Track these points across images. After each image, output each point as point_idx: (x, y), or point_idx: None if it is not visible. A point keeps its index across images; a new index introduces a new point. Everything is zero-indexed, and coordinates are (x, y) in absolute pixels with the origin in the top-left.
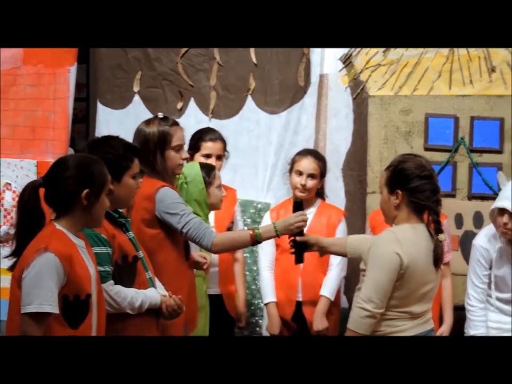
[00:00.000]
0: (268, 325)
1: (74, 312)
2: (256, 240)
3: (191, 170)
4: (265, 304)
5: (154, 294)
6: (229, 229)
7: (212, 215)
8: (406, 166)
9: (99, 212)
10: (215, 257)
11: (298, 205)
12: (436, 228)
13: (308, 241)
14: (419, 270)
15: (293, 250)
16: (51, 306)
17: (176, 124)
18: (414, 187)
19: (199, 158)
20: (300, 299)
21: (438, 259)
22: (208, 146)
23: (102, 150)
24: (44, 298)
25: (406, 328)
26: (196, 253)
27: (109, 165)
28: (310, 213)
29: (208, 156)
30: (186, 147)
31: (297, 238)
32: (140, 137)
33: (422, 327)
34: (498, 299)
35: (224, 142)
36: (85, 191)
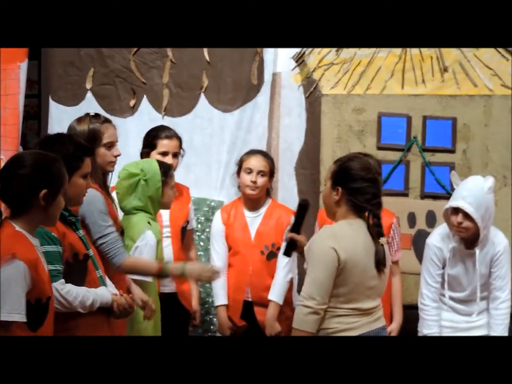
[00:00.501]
0: (218, 327)
1: (35, 316)
2: (161, 274)
3: (150, 167)
4: (216, 307)
5: (106, 292)
6: (184, 228)
7: (166, 214)
8: (352, 165)
9: (55, 212)
10: (169, 255)
11: (305, 207)
12: (377, 231)
13: (300, 242)
14: (359, 265)
15: (285, 242)
16: (20, 315)
17: (108, 121)
18: (355, 188)
19: (155, 156)
20: (250, 299)
21: (379, 263)
22: (165, 144)
23: (52, 148)
24: (12, 306)
25: (358, 326)
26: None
27: None
28: (260, 214)
29: (164, 154)
30: (134, 144)
31: (292, 235)
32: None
33: (373, 324)
34: (452, 298)
35: (180, 139)
36: (43, 191)
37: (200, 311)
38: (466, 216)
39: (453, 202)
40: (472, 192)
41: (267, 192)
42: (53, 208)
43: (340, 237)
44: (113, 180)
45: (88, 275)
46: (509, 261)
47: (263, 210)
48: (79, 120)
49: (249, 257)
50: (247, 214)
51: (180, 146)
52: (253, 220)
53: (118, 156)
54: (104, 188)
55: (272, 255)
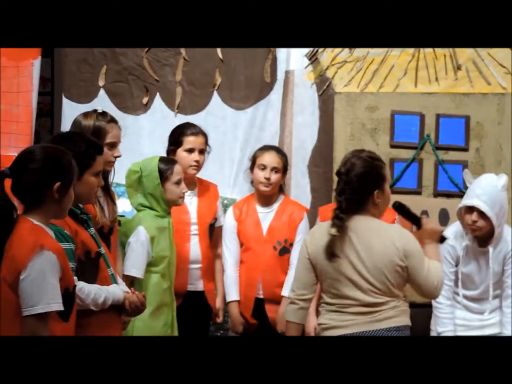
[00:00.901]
0: (230, 323)
1: (66, 305)
2: None
3: (148, 164)
4: (228, 303)
5: (117, 290)
6: (212, 225)
7: (194, 211)
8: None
9: (67, 204)
10: (197, 253)
11: (401, 209)
12: (333, 222)
13: None
14: (323, 262)
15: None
16: (58, 304)
17: (114, 121)
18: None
19: (181, 153)
20: (261, 296)
21: (327, 253)
22: (191, 140)
23: (64, 146)
24: (50, 297)
25: (351, 324)
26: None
27: None
28: (272, 210)
29: (191, 150)
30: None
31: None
32: (75, 128)
33: (374, 324)
34: (465, 296)
35: (205, 136)
36: (57, 184)
37: (224, 309)
38: (481, 214)
39: (467, 200)
40: (486, 190)
41: (280, 188)
42: (65, 201)
43: (312, 231)
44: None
45: (100, 273)
46: None
47: (275, 206)
48: (86, 115)
49: (261, 252)
50: (260, 209)
51: (206, 143)
52: (265, 216)
53: (119, 157)
54: (105, 186)
55: (284, 251)
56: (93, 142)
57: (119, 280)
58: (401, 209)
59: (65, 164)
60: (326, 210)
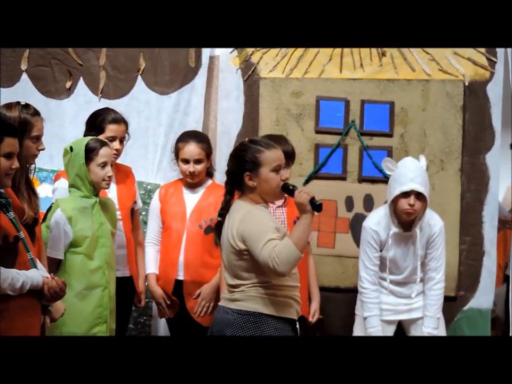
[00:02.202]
0: (151, 295)
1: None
2: None
3: (78, 144)
4: (146, 275)
5: (36, 275)
6: (132, 209)
7: (114, 196)
8: None
9: None
10: (122, 237)
11: (284, 188)
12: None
13: None
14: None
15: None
16: None
17: (38, 113)
18: None
19: None
20: (181, 278)
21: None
22: (113, 128)
23: None
24: None
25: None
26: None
27: None
28: (199, 192)
29: (113, 139)
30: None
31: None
32: None
33: (226, 302)
34: (390, 281)
35: (126, 124)
36: None
37: (146, 293)
38: (417, 197)
39: (405, 186)
40: (417, 173)
41: (208, 173)
42: None
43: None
44: None
45: (18, 257)
46: (444, 242)
47: (202, 189)
48: (9, 107)
49: (184, 231)
50: (186, 191)
51: (126, 131)
52: (192, 197)
53: (43, 149)
54: (26, 179)
55: (210, 230)
56: (1, 123)
57: (39, 265)
58: (284, 188)
59: None
60: None
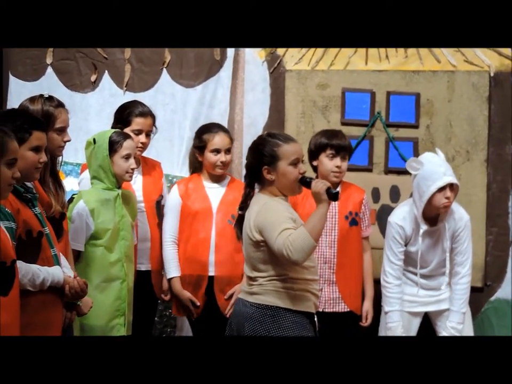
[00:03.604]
0: (176, 299)
1: (2, 279)
2: None
3: (102, 136)
4: (169, 279)
5: (58, 272)
6: (158, 202)
7: (139, 188)
8: None
9: None
10: (146, 230)
11: (301, 180)
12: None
13: None
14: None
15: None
16: None
17: (62, 105)
18: None
19: (128, 133)
20: (211, 274)
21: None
22: (140, 122)
23: (2, 122)
24: None
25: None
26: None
27: None
28: (223, 186)
29: (139, 132)
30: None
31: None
32: None
33: (245, 295)
34: (416, 274)
35: (154, 117)
36: None
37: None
38: (451, 189)
39: (440, 181)
40: (446, 166)
41: None
42: None
43: None
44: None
45: (41, 253)
46: (470, 236)
47: (225, 182)
48: (32, 100)
49: (210, 228)
50: (207, 185)
51: (153, 124)
52: (215, 191)
53: (68, 141)
54: (52, 172)
55: None
56: (30, 117)
57: (64, 262)
58: (301, 181)
59: None
60: None
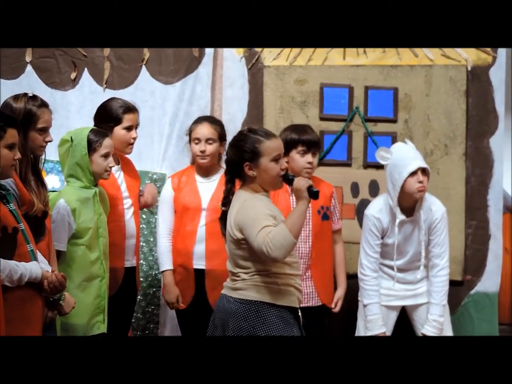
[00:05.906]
0: (165, 292)
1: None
2: None
3: (79, 134)
4: (162, 272)
5: (35, 267)
6: (140, 196)
7: (122, 183)
8: None
9: None
10: (132, 225)
11: (283, 178)
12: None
13: None
14: None
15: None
16: None
17: (45, 105)
18: None
19: (120, 131)
20: (198, 267)
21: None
22: (130, 118)
23: None
24: None
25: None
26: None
27: None
28: (214, 180)
29: (130, 128)
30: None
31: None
32: (5, 110)
33: (228, 291)
34: (391, 267)
35: (138, 111)
36: None
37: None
38: (423, 173)
39: (411, 166)
40: (414, 152)
41: (220, 158)
42: None
43: None
44: None
45: (17, 249)
46: (447, 228)
47: (216, 177)
48: (16, 98)
49: (198, 222)
50: (199, 179)
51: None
52: (206, 186)
53: (50, 141)
54: (35, 170)
55: None
56: (3, 114)
57: (41, 257)
58: (284, 178)
59: None
60: None
